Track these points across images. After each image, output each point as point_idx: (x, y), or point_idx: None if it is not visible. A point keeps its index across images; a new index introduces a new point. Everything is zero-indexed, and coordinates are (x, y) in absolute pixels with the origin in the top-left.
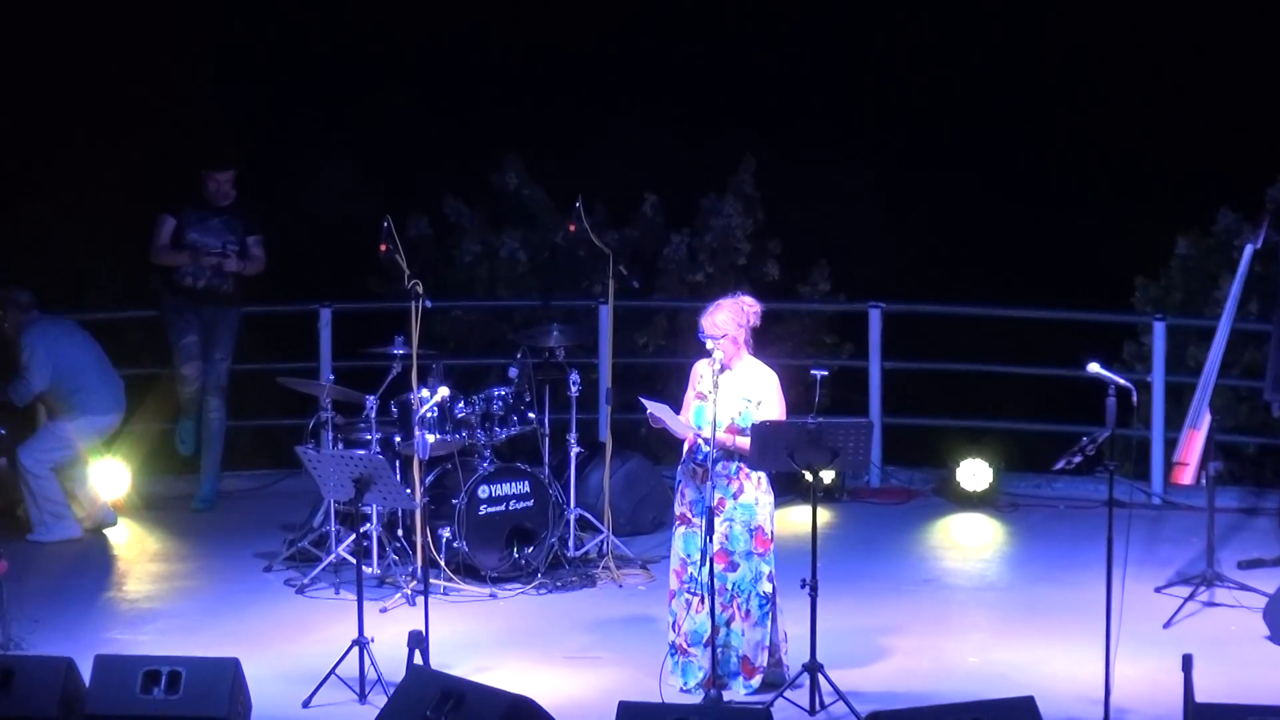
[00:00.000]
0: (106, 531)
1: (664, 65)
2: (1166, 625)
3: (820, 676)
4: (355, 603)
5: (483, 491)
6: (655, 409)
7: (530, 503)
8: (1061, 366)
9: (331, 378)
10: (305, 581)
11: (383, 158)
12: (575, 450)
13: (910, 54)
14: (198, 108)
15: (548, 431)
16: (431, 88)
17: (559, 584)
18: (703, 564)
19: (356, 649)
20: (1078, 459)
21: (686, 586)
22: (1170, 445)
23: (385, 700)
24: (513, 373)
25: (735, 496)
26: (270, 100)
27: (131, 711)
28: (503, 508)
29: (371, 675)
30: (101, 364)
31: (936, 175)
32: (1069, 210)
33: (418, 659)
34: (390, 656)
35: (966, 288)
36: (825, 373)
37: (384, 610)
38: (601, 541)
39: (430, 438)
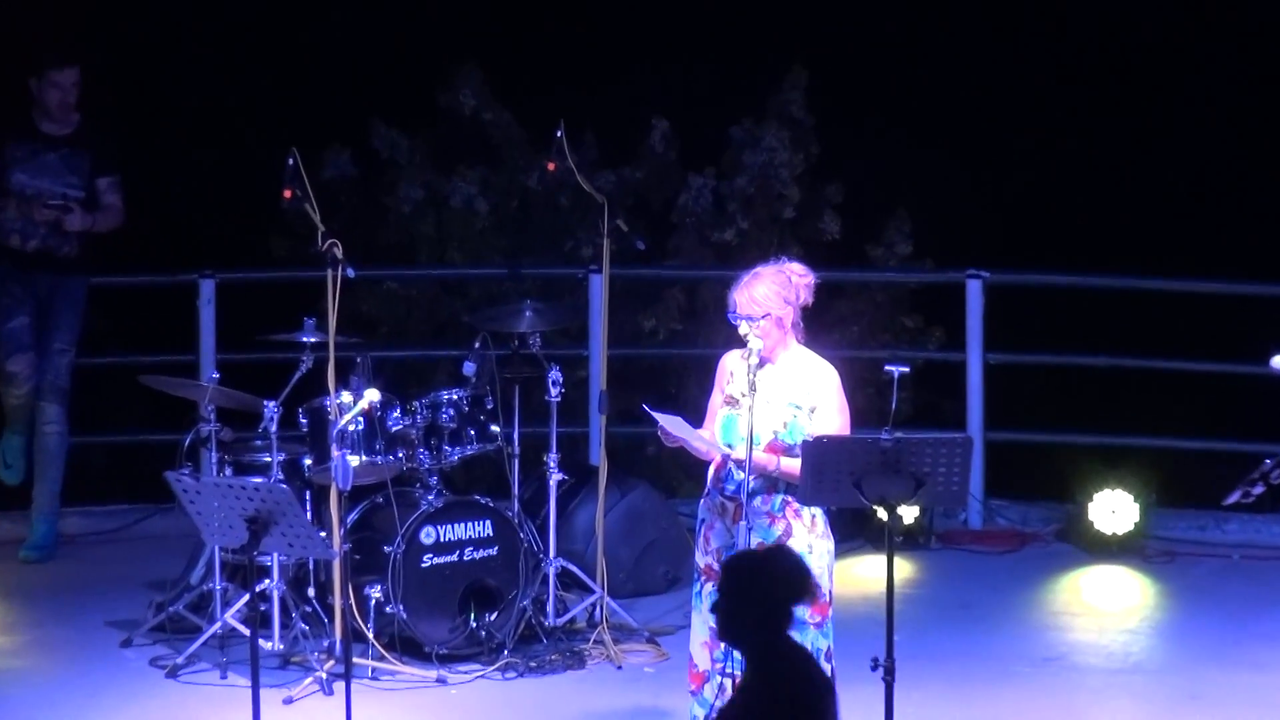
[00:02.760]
0: None
1: None
2: None
3: None
4: (249, 690)
5: (427, 535)
6: (667, 422)
7: (493, 550)
8: (1233, 361)
9: (216, 376)
10: (180, 661)
11: (288, 69)
12: (557, 477)
13: None
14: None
15: (518, 451)
16: None
17: (534, 664)
18: None
19: None
20: (1259, 490)
21: (720, 666)
22: None
23: None
24: (469, 369)
25: (780, 542)
26: None
27: None
28: (455, 557)
29: None
30: None
31: (1057, 95)
32: (1238, 150)
33: None
34: None
35: (1097, 253)
36: (906, 369)
37: (289, 701)
38: (594, 605)
39: (354, 460)
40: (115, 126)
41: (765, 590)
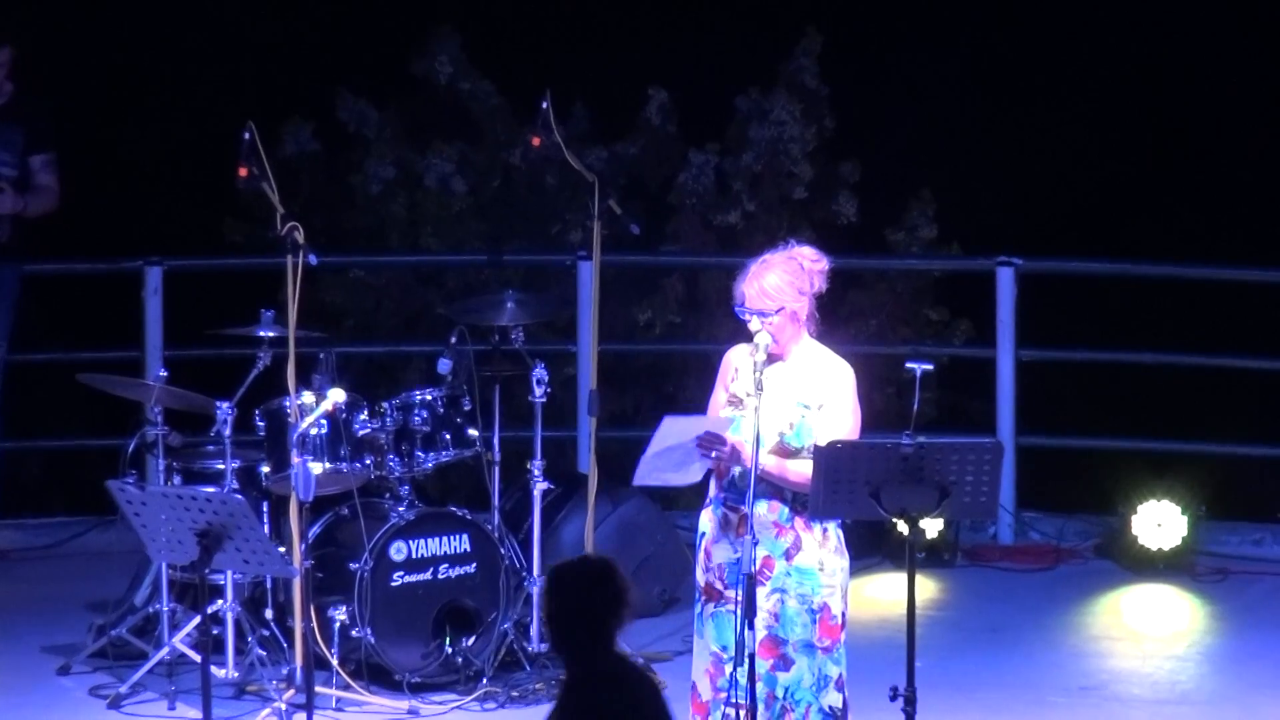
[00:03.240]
0: None
1: None
2: None
3: None
4: None
5: (397, 551)
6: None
7: (471, 568)
8: None
9: (164, 374)
10: (123, 690)
11: (246, 34)
12: (542, 486)
13: None
14: None
15: (499, 458)
16: None
17: (516, 694)
18: (740, 659)
19: None
20: None
21: (725, 695)
22: None
23: None
24: (444, 367)
25: (788, 557)
26: None
27: None
28: (428, 575)
29: None
30: None
31: (1097, 61)
32: None
33: None
34: None
35: (1141, 237)
36: (929, 366)
37: None
38: None
39: (316, 468)
40: (51, 98)
41: (581, 606)
